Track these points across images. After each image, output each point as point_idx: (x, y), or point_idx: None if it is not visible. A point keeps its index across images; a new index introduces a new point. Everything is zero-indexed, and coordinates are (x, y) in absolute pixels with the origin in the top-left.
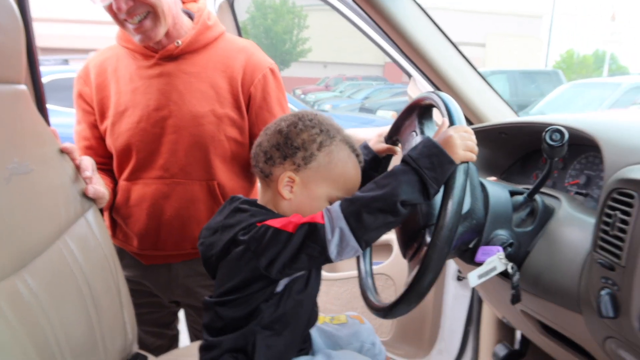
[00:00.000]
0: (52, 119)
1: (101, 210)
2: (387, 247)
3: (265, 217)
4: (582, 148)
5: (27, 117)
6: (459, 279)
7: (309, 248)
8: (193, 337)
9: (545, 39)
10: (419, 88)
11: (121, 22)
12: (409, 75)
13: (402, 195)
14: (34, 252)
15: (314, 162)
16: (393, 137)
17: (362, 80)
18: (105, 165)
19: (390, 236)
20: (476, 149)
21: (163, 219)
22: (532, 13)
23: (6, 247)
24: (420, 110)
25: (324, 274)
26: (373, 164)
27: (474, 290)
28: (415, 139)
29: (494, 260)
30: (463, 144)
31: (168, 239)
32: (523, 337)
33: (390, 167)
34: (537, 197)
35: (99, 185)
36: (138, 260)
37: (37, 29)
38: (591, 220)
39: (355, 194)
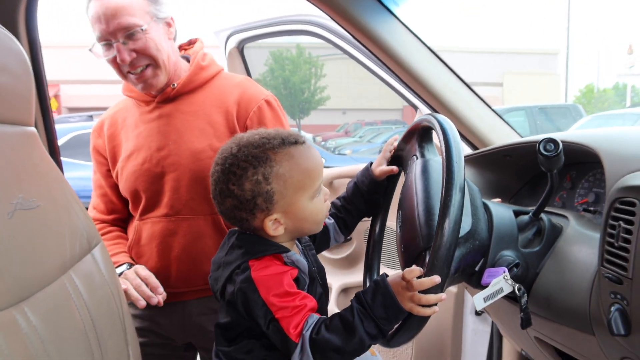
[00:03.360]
0: (77, 172)
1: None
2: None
3: (256, 254)
4: (589, 166)
5: (35, 157)
6: (477, 313)
7: (273, 339)
8: None
9: (564, 75)
10: None
11: (124, 74)
12: (415, 108)
13: (367, 342)
14: (36, 286)
15: (275, 195)
16: (396, 164)
17: (382, 125)
18: (119, 216)
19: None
20: (431, 301)
21: (172, 256)
22: (548, 50)
23: (5, 279)
24: (419, 134)
25: (332, 306)
26: (374, 186)
27: (493, 325)
28: (416, 163)
29: (500, 281)
30: (411, 297)
31: (179, 276)
32: None
33: (399, 185)
34: (544, 216)
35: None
36: None
37: (67, 90)
38: (599, 236)
39: (323, 335)
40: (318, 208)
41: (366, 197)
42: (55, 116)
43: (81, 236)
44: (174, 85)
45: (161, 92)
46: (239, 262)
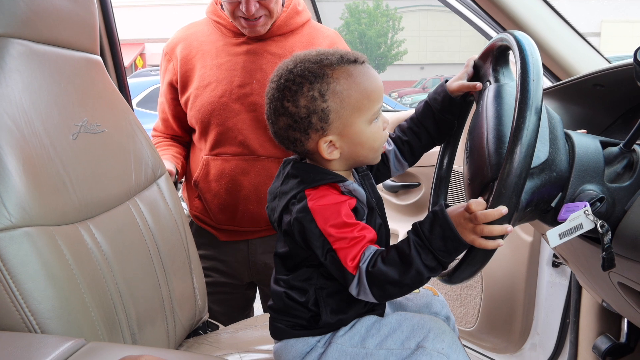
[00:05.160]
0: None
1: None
2: None
3: (312, 183)
4: None
5: (100, 85)
6: (555, 264)
7: (331, 269)
8: None
9: None
10: None
11: (235, 17)
12: None
13: (425, 275)
14: (100, 207)
15: (331, 114)
16: (468, 96)
17: None
18: (178, 137)
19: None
20: (495, 232)
21: (241, 194)
22: None
23: (70, 195)
24: (494, 56)
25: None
26: (448, 105)
27: (572, 277)
28: (489, 89)
29: (579, 216)
30: (473, 228)
31: (245, 215)
32: (631, 328)
33: (468, 120)
34: (638, 148)
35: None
36: (216, 237)
37: (151, 48)
38: None
39: (379, 267)
40: (375, 134)
41: (438, 116)
42: (137, 70)
43: (146, 165)
44: None
45: None
46: (295, 192)
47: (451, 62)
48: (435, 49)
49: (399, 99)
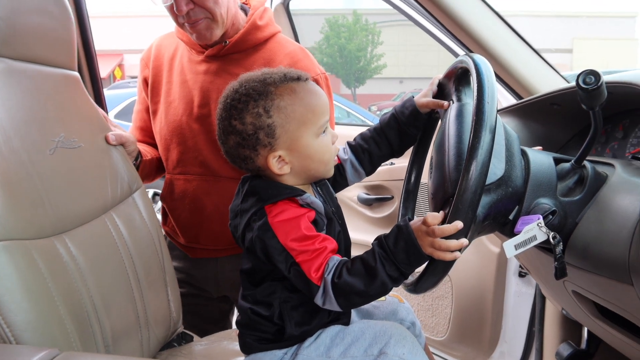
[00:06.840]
0: None
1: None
2: None
3: (270, 199)
4: None
5: (77, 100)
6: (521, 274)
7: (295, 282)
8: None
9: None
10: None
11: (180, 23)
12: None
13: (389, 285)
14: (76, 220)
15: (277, 129)
16: (433, 113)
17: None
18: (155, 145)
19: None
20: (451, 247)
21: (204, 214)
22: (624, 13)
23: (46, 209)
24: (456, 77)
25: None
26: (413, 118)
27: (537, 287)
28: (452, 107)
29: (533, 228)
30: (431, 242)
31: (209, 235)
32: (591, 335)
33: (435, 133)
34: (588, 164)
35: (120, 131)
36: (186, 253)
37: (130, 59)
38: None
39: (345, 279)
40: (324, 147)
41: (402, 128)
42: (115, 82)
43: (122, 179)
44: (225, 42)
45: (213, 45)
46: (255, 209)
47: (429, 75)
48: (414, 63)
49: (378, 112)
